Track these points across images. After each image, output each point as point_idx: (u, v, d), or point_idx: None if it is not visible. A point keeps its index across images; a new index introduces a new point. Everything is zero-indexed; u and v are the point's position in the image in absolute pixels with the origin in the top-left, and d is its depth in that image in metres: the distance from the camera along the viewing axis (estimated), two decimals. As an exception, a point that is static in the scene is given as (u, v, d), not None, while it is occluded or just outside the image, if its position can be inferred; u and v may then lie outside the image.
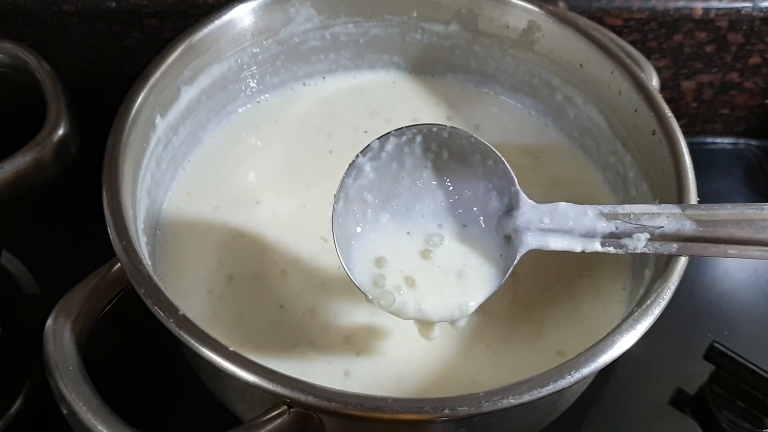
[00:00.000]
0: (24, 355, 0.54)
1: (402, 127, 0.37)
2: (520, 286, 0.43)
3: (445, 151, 0.37)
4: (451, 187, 0.38)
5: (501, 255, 0.37)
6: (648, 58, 0.55)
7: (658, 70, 0.64)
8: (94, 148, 0.47)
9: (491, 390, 0.30)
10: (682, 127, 0.68)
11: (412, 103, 0.52)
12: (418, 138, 0.37)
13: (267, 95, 0.52)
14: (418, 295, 0.36)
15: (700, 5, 0.60)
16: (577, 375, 0.31)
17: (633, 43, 0.58)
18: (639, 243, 0.36)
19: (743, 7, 0.61)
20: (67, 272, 0.47)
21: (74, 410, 0.32)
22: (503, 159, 0.37)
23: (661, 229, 0.35)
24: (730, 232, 0.35)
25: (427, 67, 0.54)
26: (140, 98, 0.40)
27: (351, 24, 0.51)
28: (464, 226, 0.38)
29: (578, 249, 0.36)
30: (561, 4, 0.59)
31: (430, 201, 0.38)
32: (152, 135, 0.42)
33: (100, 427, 0.32)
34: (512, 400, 0.30)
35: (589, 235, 0.36)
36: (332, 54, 0.52)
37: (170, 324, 0.32)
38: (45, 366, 0.35)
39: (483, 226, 0.38)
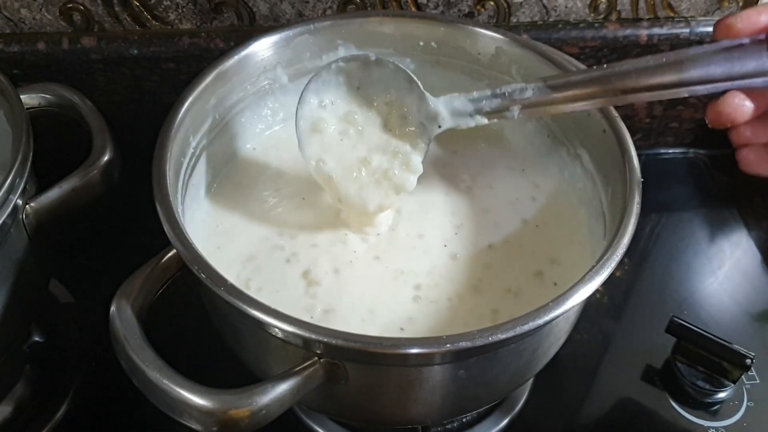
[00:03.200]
0: (67, 362, 0.60)
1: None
2: (515, 274, 0.50)
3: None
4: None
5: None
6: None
7: (613, 91, 0.73)
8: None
9: (483, 328, 0.38)
10: (637, 140, 0.77)
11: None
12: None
13: (281, 124, 0.60)
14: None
15: (644, 32, 0.69)
16: (551, 314, 0.38)
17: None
18: (515, 113, 0.47)
19: (681, 33, 0.70)
20: (96, 282, 0.53)
21: (142, 370, 0.38)
22: (415, 79, 0.49)
23: (529, 99, 0.47)
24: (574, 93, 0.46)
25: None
26: (178, 118, 0.47)
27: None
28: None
29: (472, 124, 0.49)
30: (525, 36, 0.68)
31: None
32: (188, 150, 0.50)
33: (165, 381, 0.38)
34: (500, 335, 0.37)
35: (478, 112, 0.48)
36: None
37: (221, 292, 0.39)
38: (113, 341, 0.40)
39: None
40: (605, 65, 0.45)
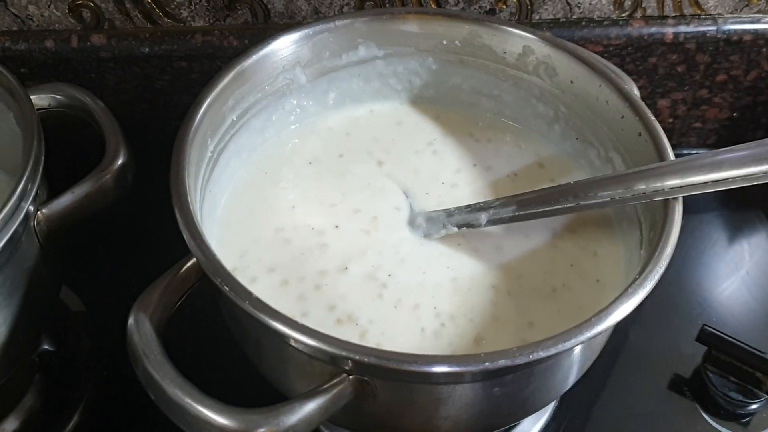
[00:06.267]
0: (78, 372, 0.59)
1: None
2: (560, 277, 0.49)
3: None
4: None
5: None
6: (627, 80, 0.62)
7: (636, 89, 0.72)
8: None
9: (522, 345, 0.36)
10: (659, 141, 0.76)
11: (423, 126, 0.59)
12: None
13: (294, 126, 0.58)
14: None
15: (670, 30, 0.67)
16: (594, 330, 0.36)
17: (612, 66, 0.65)
18: (483, 222, 0.49)
19: (708, 31, 0.68)
20: (108, 290, 0.51)
21: (162, 387, 0.37)
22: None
23: (498, 215, 0.48)
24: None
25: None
26: (196, 120, 0.45)
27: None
28: None
29: (443, 233, 0.50)
30: (547, 34, 0.66)
31: None
32: (205, 154, 0.48)
33: (187, 399, 0.36)
34: (541, 353, 0.35)
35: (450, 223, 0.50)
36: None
37: (246, 305, 0.37)
38: (131, 356, 0.39)
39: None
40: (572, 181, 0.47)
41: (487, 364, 0.35)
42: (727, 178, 0.42)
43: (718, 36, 0.68)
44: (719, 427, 0.57)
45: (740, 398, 0.57)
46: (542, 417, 0.57)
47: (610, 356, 0.61)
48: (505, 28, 0.54)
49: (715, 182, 0.42)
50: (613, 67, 0.54)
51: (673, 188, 0.42)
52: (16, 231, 0.44)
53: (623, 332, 0.62)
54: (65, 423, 0.56)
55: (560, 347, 0.36)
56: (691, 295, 0.66)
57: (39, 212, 0.47)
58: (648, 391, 0.59)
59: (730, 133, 0.77)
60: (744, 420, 0.57)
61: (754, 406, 0.57)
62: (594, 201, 0.45)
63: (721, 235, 0.71)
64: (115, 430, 0.56)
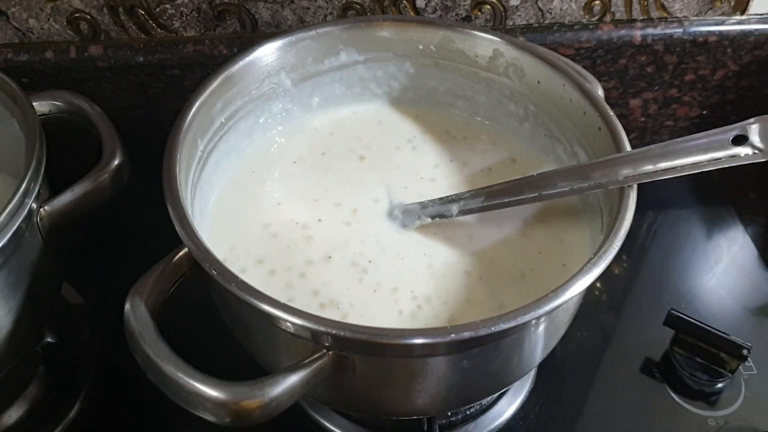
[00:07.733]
0: (79, 363, 0.61)
1: None
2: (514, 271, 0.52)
3: None
4: None
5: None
6: (598, 80, 0.64)
7: (608, 90, 0.74)
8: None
9: (486, 318, 0.39)
10: (633, 139, 0.79)
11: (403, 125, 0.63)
12: None
13: (280, 127, 0.61)
14: None
15: (638, 33, 0.70)
16: (551, 304, 0.40)
17: (584, 68, 0.68)
18: (454, 213, 0.52)
19: (675, 33, 0.71)
20: (105, 283, 0.54)
21: (158, 364, 0.40)
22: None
23: (468, 206, 0.52)
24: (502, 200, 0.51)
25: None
26: (187, 121, 0.49)
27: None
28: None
29: (417, 224, 0.54)
30: (521, 38, 0.70)
31: None
32: (195, 154, 0.51)
33: (180, 375, 0.39)
34: (503, 325, 0.39)
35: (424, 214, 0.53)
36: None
37: (233, 288, 0.40)
38: (128, 337, 0.41)
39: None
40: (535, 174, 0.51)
41: (452, 335, 0.38)
42: (676, 167, 0.45)
43: (685, 37, 0.71)
44: (687, 406, 0.59)
45: (706, 378, 0.60)
46: (519, 397, 0.60)
47: (587, 341, 0.64)
48: (476, 33, 0.57)
49: (665, 170, 0.45)
50: (577, 67, 0.57)
51: (626, 177, 0.46)
52: (19, 227, 0.47)
53: (599, 321, 0.66)
54: (67, 411, 0.58)
55: (520, 320, 0.39)
56: (664, 286, 0.69)
57: (41, 209, 0.50)
58: (622, 374, 0.62)
59: (700, 131, 0.78)
60: (711, 399, 0.60)
61: (719, 385, 0.60)
62: (555, 191, 0.49)
63: (694, 229, 0.74)
64: (115, 417, 0.59)
